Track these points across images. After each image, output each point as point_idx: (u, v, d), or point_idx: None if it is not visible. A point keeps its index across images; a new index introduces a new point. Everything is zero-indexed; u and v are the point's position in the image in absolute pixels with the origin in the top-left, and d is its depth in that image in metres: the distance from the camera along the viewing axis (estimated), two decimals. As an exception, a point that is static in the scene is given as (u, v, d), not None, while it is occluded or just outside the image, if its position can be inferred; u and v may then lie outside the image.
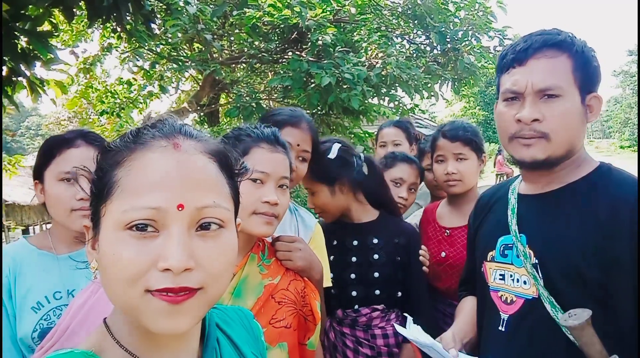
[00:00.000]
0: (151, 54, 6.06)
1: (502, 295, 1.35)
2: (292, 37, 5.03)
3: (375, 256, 1.92)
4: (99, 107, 7.67)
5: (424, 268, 2.03)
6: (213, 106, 6.68)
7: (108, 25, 5.45)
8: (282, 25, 4.90)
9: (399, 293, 1.94)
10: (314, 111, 5.88)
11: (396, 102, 5.49)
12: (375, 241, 1.94)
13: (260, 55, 4.92)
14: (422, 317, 1.89)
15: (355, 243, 1.94)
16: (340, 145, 1.98)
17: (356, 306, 1.91)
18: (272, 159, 1.32)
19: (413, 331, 1.33)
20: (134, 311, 0.65)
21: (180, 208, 0.64)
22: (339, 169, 1.93)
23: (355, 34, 5.32)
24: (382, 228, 1.98)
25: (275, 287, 1.34)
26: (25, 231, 11.46)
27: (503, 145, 1.35)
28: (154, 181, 0.65)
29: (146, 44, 5.45)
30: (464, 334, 1.43)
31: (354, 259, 1.94)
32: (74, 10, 3.19)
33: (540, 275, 1.24)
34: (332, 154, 1.92)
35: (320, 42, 4.40)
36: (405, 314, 1.49)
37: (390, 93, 5.30)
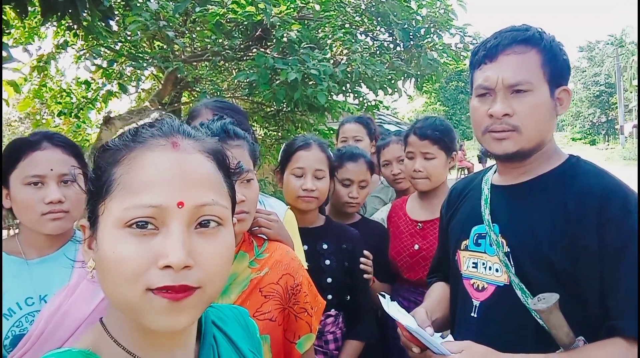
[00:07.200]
0: (109, 51, 5.88)
1: (474, 283, 1.40)
2: (257, 34, 4.98)
3: (327, 262, 1.92)
4: (53, 108, 7.37)
5: (366, 275, 2.05)
6: (176, 104, 6.56)
7: (63, 22, 5.25)
8: (245, 22, 4.85)
9: (348, 297, 1.97)
10: (279, 108, 5.86)
11: (361, 99, 5.53)
12: (325, 246, 1.95)
13: (224, 52, 4.86)
14: (365, 321, 1.96)
15: (305, 248, 1.91)
16: None
17: None
18: None
19: (392, 309, 1.35)
20: (134, 310, 0.65)
21: (180, 206, 0.65)
22: None
23: (319, 31, 5.32)
24: (330, 233, 2.00)
25: (262, 280, 1.33)
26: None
27: (477, 138, 1.40)
28: (154, 179, 0.66)
29: (105, 41, 5.27)
30: (431, 312, 1.46)
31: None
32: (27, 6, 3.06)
33: (512, 263, 1.29)
34: None
35: (285, 39, 4.38)
36: (383, 293, 1.51)
37: (355, 89, 5.34)
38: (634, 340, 1.11)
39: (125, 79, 7.10)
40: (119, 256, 0.64)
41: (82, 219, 0.73)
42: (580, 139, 41.92)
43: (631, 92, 32.82)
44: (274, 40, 4.65)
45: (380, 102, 5.86)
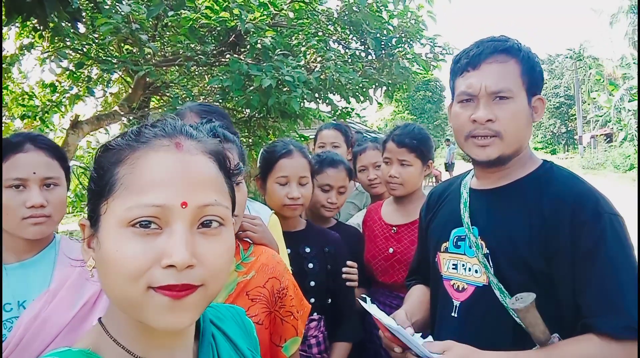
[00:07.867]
0: (75, 54, 5.74)
1: (454, 283, 1.44)
2: (230, 40, 4.97)
3: (310, 265, 1.94)
4: (14, 111, 7.12)
5: (349, 283, 2.06)
6: (146, 109, 6.44)
7: (28, 23, 5.09)
8: (218, 28, 4.83)
9: (329, 300, 2.00)
10: (251, 114, 5.85)
11: (332, 106, 5.59)
12: (308, 250, 1.97)
13: (196, 57, 4.82)
14: (350, 322, 1.99)
15: (287, 251, 1.92)
16: None
17: None
18: None
19: (373, 310, 1.38)
20: (135, 308, 0.65)
21: (183, 206, 0.66)
22: None
23: (293, 38, 5.36)
24: (312, 237, 2.02)
25: (249, 283, 1.33)
26: None
27: (459, 144, 1.44)
28: (158, 180, 0.66)
29: (72, 43, 5.15)
30: (412, 314, 1.51)
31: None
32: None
33: (491, 264, 1.34)
34: None
35: (259, 45, 4.39)
36: (364, 295, 1.54)
37: (328, 96, 5.39)
38: (606, 336, 1.17)
39: (92, 82, 6.93)
40: (122, 255, 0.64)
41: (82, 218, 0.73)
42: (541, 148, 43.38)
43: (589, 104, 34.24)
44: (248, 47, 4.65)
45: (352, 109, 5.92)
